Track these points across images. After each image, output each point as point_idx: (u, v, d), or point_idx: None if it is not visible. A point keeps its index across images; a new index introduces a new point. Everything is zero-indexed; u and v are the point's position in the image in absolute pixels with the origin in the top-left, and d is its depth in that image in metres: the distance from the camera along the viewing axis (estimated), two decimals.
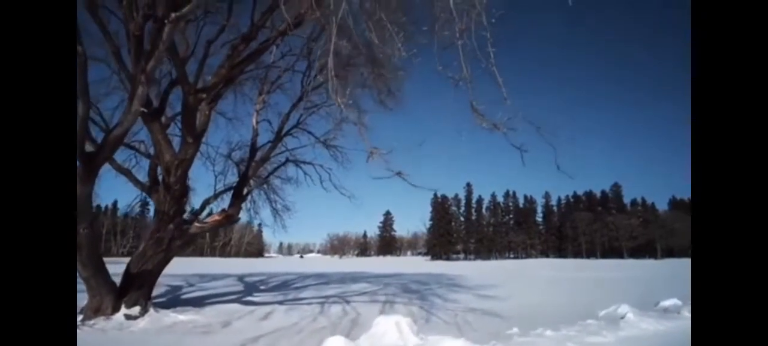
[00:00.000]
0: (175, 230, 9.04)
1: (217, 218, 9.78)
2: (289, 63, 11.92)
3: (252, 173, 11.42)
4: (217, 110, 12.01)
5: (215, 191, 11.77)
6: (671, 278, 23.21)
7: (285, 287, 15.08)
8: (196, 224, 9.48)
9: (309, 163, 13.44)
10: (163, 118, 9.39)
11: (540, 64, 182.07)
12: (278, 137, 12.03)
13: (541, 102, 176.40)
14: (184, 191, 9.25)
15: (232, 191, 10.89)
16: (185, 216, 9.76)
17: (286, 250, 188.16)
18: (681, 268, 43.31)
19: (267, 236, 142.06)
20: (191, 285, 14.87)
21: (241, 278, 19.55)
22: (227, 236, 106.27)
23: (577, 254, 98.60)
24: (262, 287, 15.07)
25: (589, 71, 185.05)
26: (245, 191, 11.19)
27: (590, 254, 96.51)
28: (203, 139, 11.08)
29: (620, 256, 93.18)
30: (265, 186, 13.72)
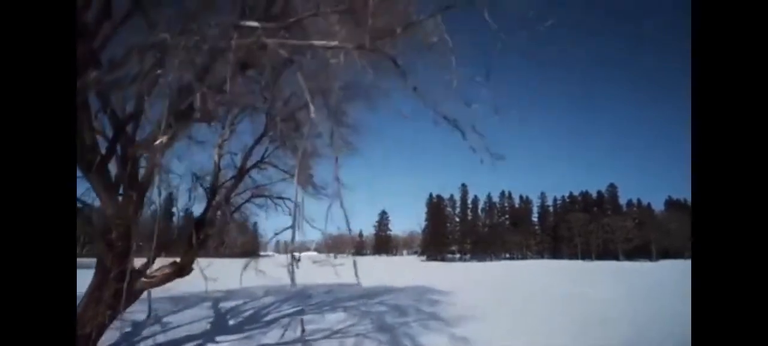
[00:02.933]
0: (118, 286, 8.43)
1: (167, 271, 9.14)
2: (248, 100, 11.31)
3: (211, 215, 10.80)
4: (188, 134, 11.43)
5: (176, 225, 11.18)
6: (668, 285, 22.64)
7: (254, 322, 14.46)
8: (143, 279, 8.84)
9: (279, 197, 12.88)
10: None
11: (536, 64, 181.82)
12: (241, 174, 11.44)
13: (538, 102, 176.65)
14: (128, 249, 8.61)
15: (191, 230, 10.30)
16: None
17: (282, 248, 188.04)
18: (676, 272, 43.09)
19: (264, 233, 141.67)
20: (156, 321, 14.24)
21: (216, 302, 18.95)
22: (221, 238, 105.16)
23: (572, 256, 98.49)
24: (231, 322, 14.49)
25: (586, 71, 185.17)
26: (203, 236, 10.55)
27: (585, 255, 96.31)
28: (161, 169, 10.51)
29: (616, 257, 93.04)
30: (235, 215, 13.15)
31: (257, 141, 11.45)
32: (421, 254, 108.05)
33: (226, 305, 18.51)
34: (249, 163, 11.76)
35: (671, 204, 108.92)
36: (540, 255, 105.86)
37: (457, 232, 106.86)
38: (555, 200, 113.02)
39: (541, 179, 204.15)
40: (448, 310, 17.63)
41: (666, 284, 32.21)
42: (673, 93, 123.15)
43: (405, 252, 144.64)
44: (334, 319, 15.10)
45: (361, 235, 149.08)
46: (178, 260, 9.41)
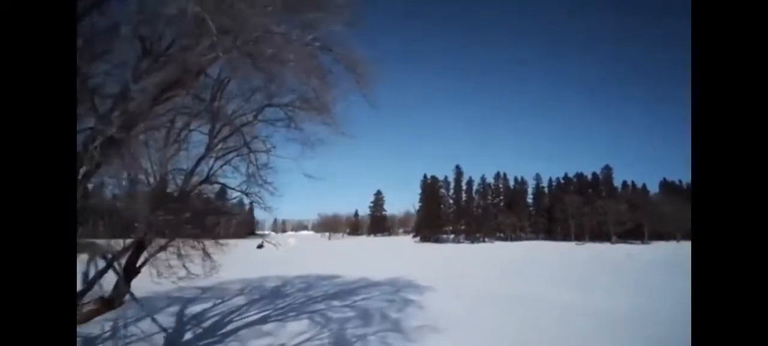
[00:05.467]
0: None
1: (93, 307, 8.84)
2: (192, 111, 10.86)
3: (148, 243, 10.43)
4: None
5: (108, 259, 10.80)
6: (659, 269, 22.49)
7: (210, 336, 14.29)
8: None
9: (225, 213, 12.59)
10: None
11: (530, 44, 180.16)
12: (183, 196, 11.07)
13: (535, 79, 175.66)
14: None
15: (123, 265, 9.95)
16: None
17: (280, 227, 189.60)
18: (668, 256, 43.14)
19: (260, 213, 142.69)
20: (112, 335, 14.02)
21: (184, 306, 18.79)
22: (215, 219, 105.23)
23: (566, 237, 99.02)
24: (187, 335, 14.34)
25: (584, 51, 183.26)
26: (139, 262, 10.21)
27: (579, 237, 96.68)
28: None
29: (609, 239, 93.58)
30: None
31: (200, 160, 11.07)
32: (415, 235, 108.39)
33: (193, 309, 18.31)
34: (194, 182, 11.41)
35: (666, 186, 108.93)
36: (535, 236, 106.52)
37: (451, 213, 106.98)
38: (550, 181, 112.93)
39: (538, 159, 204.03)
40: (417, 316, 17.43)
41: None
42: (672, 73, 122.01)
43: (401, 231, 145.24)
44: (294, 329, 14.92)
45: (356, 215, 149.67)
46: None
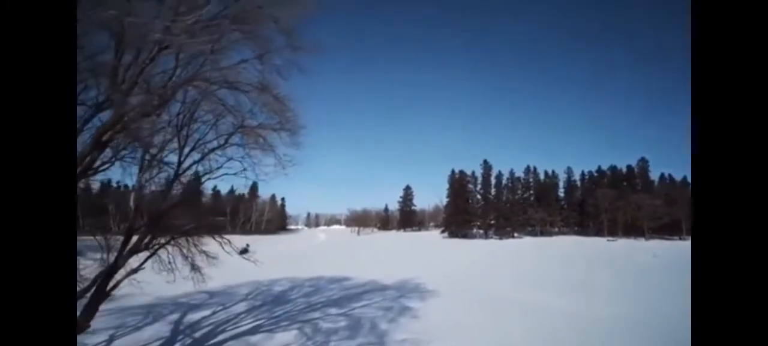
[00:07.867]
0: None
1: None
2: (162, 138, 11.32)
3: (121, 264, 10.97)
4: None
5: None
6: None
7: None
8: None
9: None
10: None
11: (563, 31, 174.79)
12: (157, 219, 11.56)
13: (568, 68, 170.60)
14: None
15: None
16: None
17: (313, 222, 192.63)
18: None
19: (293, 208, 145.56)
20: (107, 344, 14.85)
21: (185, 312, 19.56)
22: (247, 215, 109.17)
23: (598, 232, 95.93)
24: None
25: (623, 39, 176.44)
26: (110, 286, 10.77)
27: (612, 232, 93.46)
28: None
29: (643, 234, 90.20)
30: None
31: (170, 183, 11.55)
32: (443, 230, 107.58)
33: (192, 316, 19.01)
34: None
35: None
36: (567, 230, 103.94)
37: (479, 208, 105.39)
38: (582, 174, 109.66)
39: (569, 153, 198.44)
40: (407, 327, 17.51)
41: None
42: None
43: (432, 225, 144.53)
44: (280, 341, 15.32)
45: (386, 209, 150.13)
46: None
